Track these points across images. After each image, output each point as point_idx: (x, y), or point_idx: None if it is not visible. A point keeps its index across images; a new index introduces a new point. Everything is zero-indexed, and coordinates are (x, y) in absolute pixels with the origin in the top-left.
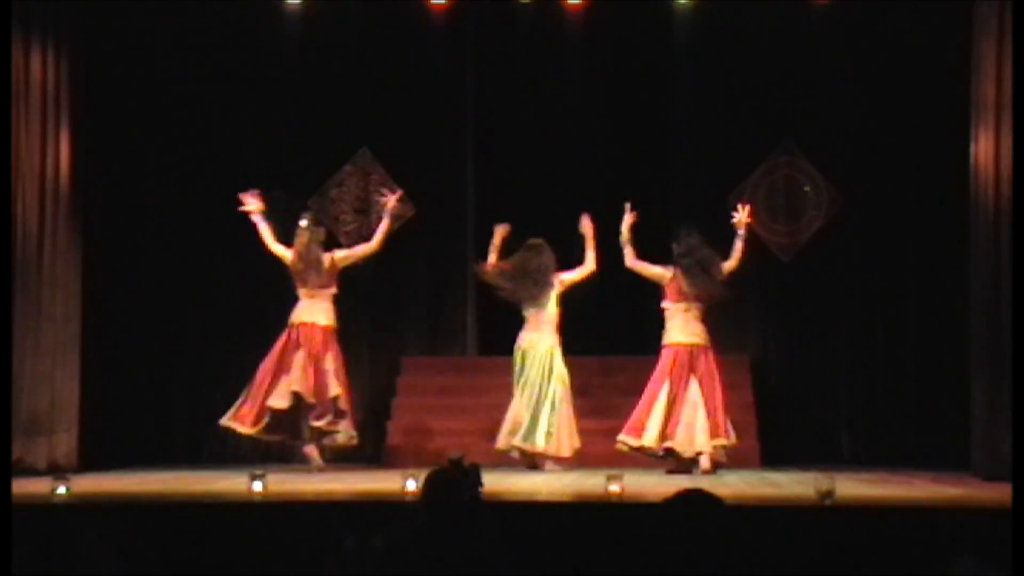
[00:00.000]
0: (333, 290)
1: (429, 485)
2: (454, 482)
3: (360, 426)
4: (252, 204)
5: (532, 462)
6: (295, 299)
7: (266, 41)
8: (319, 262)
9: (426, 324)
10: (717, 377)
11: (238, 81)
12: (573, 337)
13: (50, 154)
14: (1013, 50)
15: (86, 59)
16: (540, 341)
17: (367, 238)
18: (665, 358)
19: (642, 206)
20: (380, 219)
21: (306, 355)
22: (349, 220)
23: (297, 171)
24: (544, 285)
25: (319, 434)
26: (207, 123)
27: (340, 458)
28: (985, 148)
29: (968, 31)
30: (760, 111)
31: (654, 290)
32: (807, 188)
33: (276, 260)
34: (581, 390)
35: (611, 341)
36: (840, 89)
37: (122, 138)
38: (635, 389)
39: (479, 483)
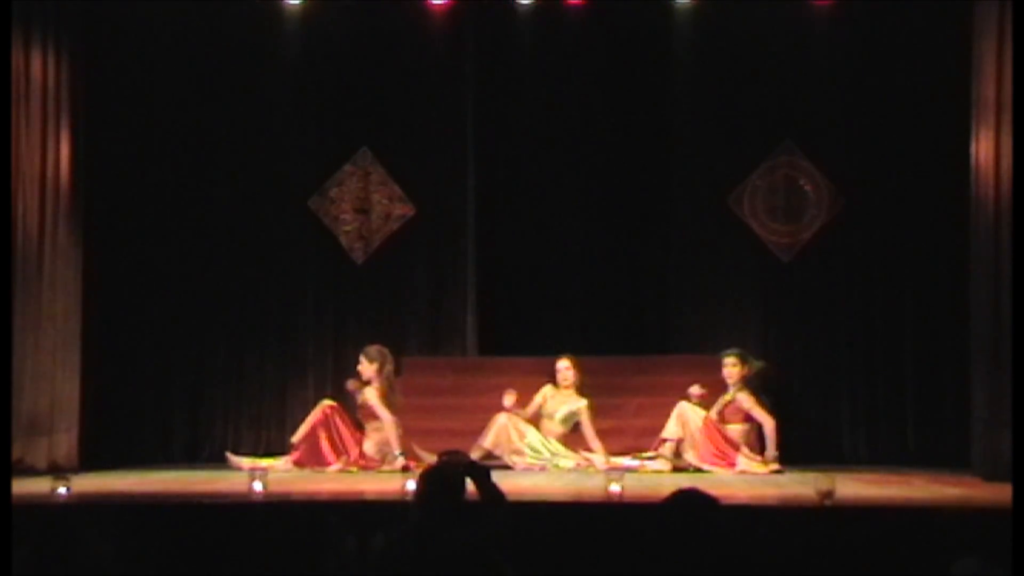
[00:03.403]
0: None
1: (424, 483)
2: (449, 479)
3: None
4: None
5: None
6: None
7: (266, 41)
8: None
9: (426, 324)
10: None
11: (238, 81)
12: (574, 337)
13: (50, 154)
14: (1013, 50)
15: (86, 59)
16: None
17: (367, 238)
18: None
19: (642, 206)
20: (380, 220)
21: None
22: (349, 220)
23: (297, 171)
24: None
25: None
26: (207, 123)
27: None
28: (985, 148)
29: (968, 31)
30: (760, 111)
31: (654, 291)
32: (807, 188)
33: (277, 260)
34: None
35: (611, 341)
36: (840, 89)
37: (122, 138)
38: (635, 389)
39: (487, 473)
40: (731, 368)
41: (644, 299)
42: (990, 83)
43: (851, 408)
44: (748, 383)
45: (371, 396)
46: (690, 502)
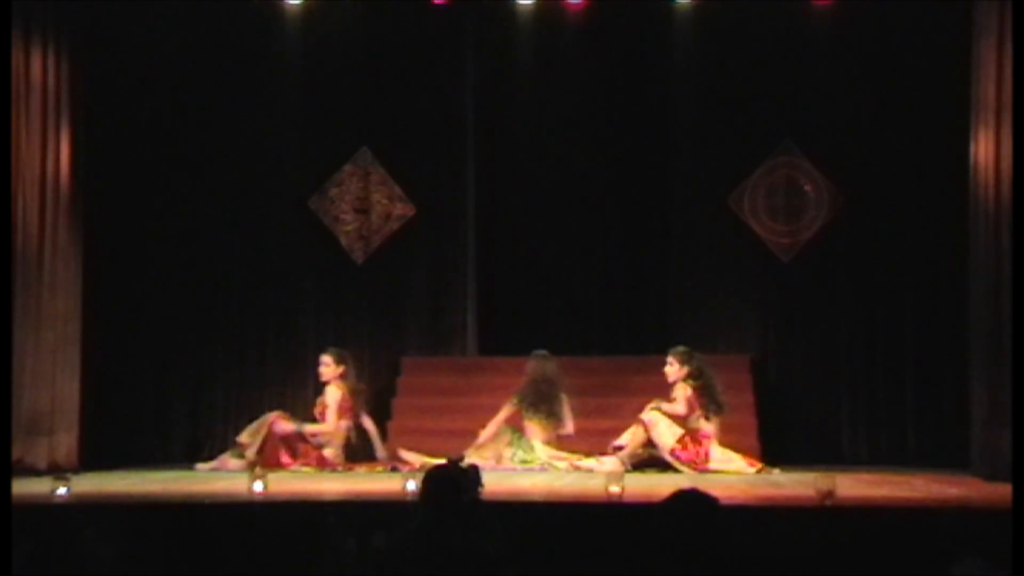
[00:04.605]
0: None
1: (428, 483)
2: (453, 480)
3: (360, 426)
4: None
5: None
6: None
7: (266, 41)
8: None
9: (426, 324)
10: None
11: (238, 81)
12: (574, 337)
13: (50, 154)
14: (1013, 50)
15: (86, 59)
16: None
17: (367, 238)
18: None
19: (642, 206)
20: (380, 220)
21: None
22: (349, 220)
23: (297, 171)
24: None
25: None
26: (207, 123)
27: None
28: (985, 148)
29: (968, 31)
30: (760, 111)
31: (654, 291)
32: (807, 188)
33: (277, 260)
34: (581, 390)
35: (611, 341)
36: (840, 89)
37: (122, 138)
38: (635, 389)
39: (479, 484)
40: (668, 368)
41: (644, 299)
42: (990, 83)
43: (851, 408)
44: (694, 379)
45: (331, 399)
46: (690, 502)
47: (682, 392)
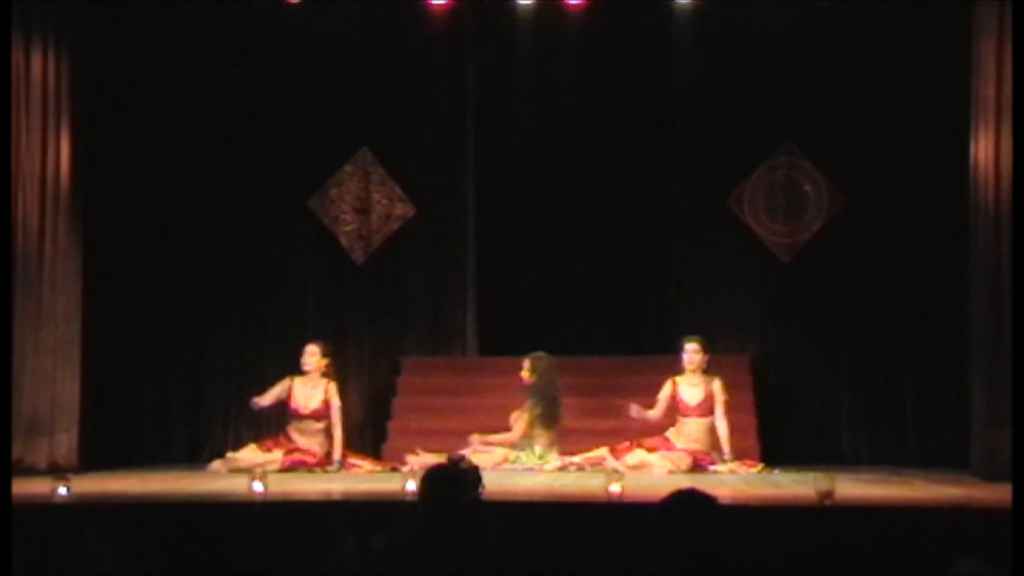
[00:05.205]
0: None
1: (428, 483)
2: (453, 480)
3: (360, 426)
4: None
5: None
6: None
7: (266, 41)
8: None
9: (426, 324)
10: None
11: (238, 81)
12: (574, 337)
13: (50, 154)
14: (1013, 50)
15: (86, 59)
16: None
17: (367, 238)
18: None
19: (642, 207)
20: (380, 220)
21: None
22: (349, 220)
23: (297, 171)
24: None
25: None
26: (207, 123)
27: None
28: (985, 148)
29: (968, 31)
30: (760, 111)
31: (654, 291)
32: (807, 188)
33: (277, 260)
34: (581, 390)
35: (611, 341)
36: (840, 89)
37: (122, 138)
38: (635, 389)
39: (479, 484)
40: (693, 354)
41: (644, 299)
42: (990, 83)
43: (851, 408)
44: (709, 372)
45: (336, 396)
46: (690, 502)
47: (723, 389)
